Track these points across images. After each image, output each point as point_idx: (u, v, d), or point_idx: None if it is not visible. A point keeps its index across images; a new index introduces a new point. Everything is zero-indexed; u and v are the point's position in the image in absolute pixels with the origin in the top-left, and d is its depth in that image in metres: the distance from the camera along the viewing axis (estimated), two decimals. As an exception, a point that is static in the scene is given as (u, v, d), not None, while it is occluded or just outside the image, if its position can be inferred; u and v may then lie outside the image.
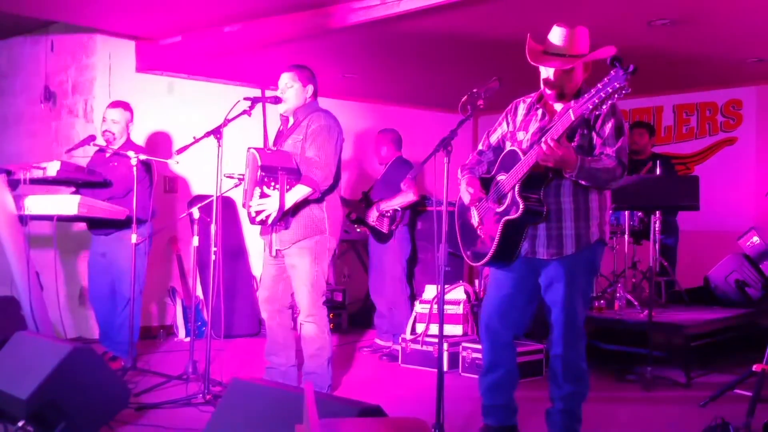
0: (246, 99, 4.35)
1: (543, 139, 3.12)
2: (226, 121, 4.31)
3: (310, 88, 4.52)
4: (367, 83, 7.72)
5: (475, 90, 3.28)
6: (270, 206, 4.24)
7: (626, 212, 5.96)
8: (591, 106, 3.00)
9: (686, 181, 6.18)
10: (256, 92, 7.31)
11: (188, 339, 5.78)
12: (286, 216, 4.32)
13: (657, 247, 5.74)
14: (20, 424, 3.42)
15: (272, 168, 4.24)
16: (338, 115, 4.59)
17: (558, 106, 3.40)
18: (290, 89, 4.48)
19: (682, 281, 6.48)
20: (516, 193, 3.28)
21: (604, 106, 3.02)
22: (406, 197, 5.97)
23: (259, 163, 4.24)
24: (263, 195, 4.24)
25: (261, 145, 7.04)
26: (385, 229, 6.03)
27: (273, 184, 4.22)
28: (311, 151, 4.36)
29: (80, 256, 6.55)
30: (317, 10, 5.41)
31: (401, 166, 6.10)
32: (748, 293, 6.15)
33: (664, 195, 5.55)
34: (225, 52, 6.17)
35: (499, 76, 3.47)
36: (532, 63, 3.31)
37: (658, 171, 5.92)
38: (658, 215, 5.72)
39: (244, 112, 4.32)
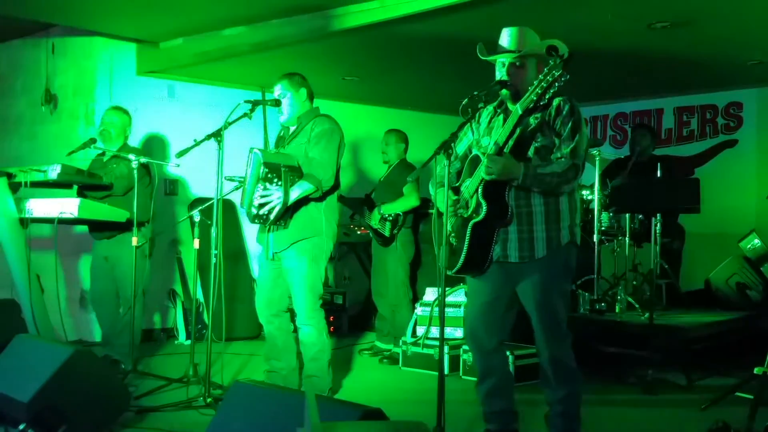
0: (246, 102, 4.36)
1: (485, 157, 3.19)
2: (227, 124, 4.32)
3: (304, 92, 4.53)
4: (367, 86, 7.72)
5: (476, 93, 3.29)
6: (274, 198, 4.23)
7: (627, 215, 5.94)
8: (535, 98, 3.09)
9: (687, 183, 6.17)
10: (256, 95, 7.31)
11: (189, 342, 5.78)
12: (287, 213, 4.31)
13: (658, 249, 5.73)
14: (21, 427, 3.43)
15: (275, 165, 4.25)
16: (337, 118, 4.60)
17: None
18: (285, 98, 4.50)
19: (683, 284, 6.46)
20: (479, 195, 3.30)
21: (566, 109, 3.20)
22: (408, 201, 5.97)
23: (262, 161, 4.24)
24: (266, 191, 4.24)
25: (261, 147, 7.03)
26: (387, 233, 6.02)
27: (276, 180, 4.23)
28: (315, 153, 4.37)
29: (81, 258, 6.55)
30: (317, 13, 5.42)
31: (405, 169, 6.09)
32: (749, 296, 6.14)
33: (665, 197, 5.54)
34: (225, 55, 6.18)
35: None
36: (481, 58, 3.43)
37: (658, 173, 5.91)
38: (659, 218, 5.71)
39: (245, 114, 4.33)
